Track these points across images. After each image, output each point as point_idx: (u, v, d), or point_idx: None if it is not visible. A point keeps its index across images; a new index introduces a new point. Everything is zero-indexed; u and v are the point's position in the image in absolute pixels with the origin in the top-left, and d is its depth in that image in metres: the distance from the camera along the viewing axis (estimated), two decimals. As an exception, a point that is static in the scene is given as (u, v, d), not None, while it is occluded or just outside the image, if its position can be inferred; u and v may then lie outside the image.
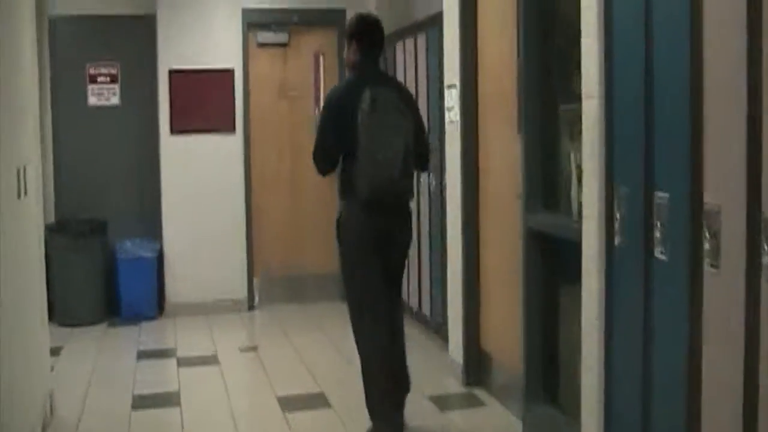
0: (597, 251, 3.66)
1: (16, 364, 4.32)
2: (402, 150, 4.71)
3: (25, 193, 4.67)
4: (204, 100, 8.31)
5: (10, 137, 4.36)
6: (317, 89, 8.62)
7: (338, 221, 4.97)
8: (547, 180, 4.66)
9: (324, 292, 8.58)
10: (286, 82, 8.67)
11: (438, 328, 6.69)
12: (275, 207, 8.64)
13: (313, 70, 8.67)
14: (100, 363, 6.86)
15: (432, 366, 6.32)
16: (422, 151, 5.03)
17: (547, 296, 4.76)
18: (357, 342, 5.04)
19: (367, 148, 4.64)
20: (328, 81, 8.65)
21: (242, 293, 8.45)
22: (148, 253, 8.18)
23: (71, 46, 8.40)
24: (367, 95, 4.68)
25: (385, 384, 4.92)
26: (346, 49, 5.09)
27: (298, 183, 8.66)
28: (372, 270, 4.89)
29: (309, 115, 8.61)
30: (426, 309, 7.00)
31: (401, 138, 4.71)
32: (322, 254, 8.55)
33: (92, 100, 8.41)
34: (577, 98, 3.92)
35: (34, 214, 5.03)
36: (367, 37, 5.00)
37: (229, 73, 8.32)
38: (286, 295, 8.66)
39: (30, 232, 4.89)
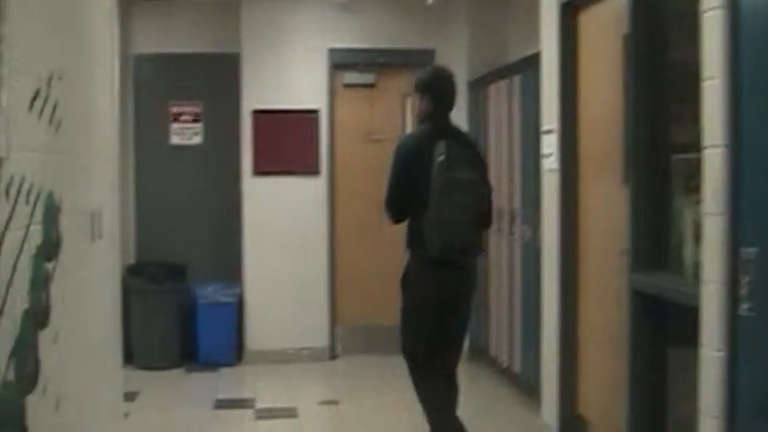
0: (718, 319, 3.27)
1: (85, 409, 4.11)
2: (474, 207, 4.69)
3: (100, 236, 4.48)
4: (288, 141, 8.12)
5: (85, 181, 4.17)
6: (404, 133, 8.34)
7: (405, 273, 4.91)
8: (656, 236, 4.28)
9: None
10: (371, 124, 8.40)
11: (529, 388, 6.31)
12: (359, 253, 8.35)
13: (399, 112, 8.42)
14: (177, 411, 6.62)
15: (522, 429, 5.96)
16: (487, 210, 4.88)
17: (654, 362, 4.37)
18: (418, 395, 4.97)
19: (441, 203, 4.58)
20: (416, 124, 8.39)
21: (324, 342, 8.16)
22: (227, 299, 7.95)
23: (154, 85, 8.28)
24: (442, 147, 4.64)
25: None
26: (418, 101, 5.05)
27: (383, 229, 8.29)
28: (432, 326, 4.78)
29: None
30: (516, 367, 6.62)
31: (474, 194, 4.69)
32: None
33: (175, 140, 8.25)
34: (693, 147, 3.57)
35: (107, 258, 4.82)
36: (441, 90, 4.97)
37: (313, 114, 8.11)
38: (367, 345, 8.33)
39: (103, 275, 4.69)
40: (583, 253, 5.25)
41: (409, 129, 8.34)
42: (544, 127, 5.59)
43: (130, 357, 7.90)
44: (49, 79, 3.33)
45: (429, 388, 4.91)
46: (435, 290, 4.75)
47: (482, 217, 4.81)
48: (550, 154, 5.48)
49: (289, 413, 6.51)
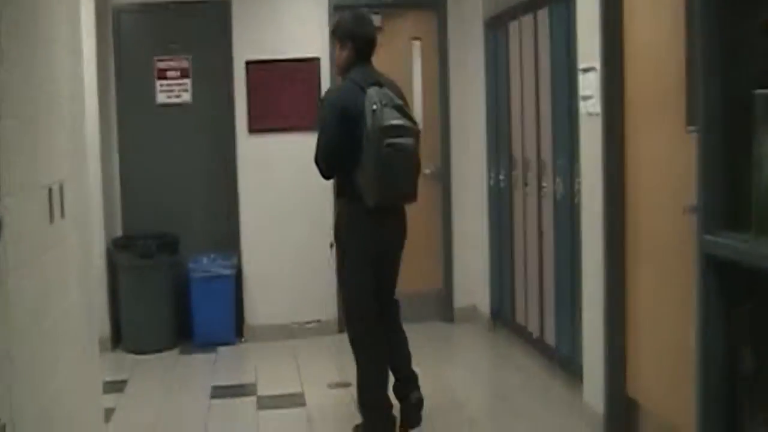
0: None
1: (56, 415, 3.47)
2: (413, 152, 4.78)
3: (62, 215, 3.78)
4: (286, 95, 7.41)
5: (38, 152, 3.46)
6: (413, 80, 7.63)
7: (338, 224, 5.00)
8: (733, 190, 3.56)
9: (417, 312, 7.54)
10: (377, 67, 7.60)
11: (566, 363, 5.62)
12: None
13: (408, 57, 7.66)
14: (168, 403, 5.96)
15: (561, 412, 5.31)
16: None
17: (730, 339, 3.68)
18: (354, 348, 5.03)
19: (380, 151, 4.61)
20: (425, 70, 7.67)
21: (331, 314, 7.48)
22: (224, 271, 7.25)
23: (137, 39, 7.51)
24: (374, 96, 4.70)
25: (384, 400, 4.97)
26: (337, 50, 5.04)
27: None
28: (369, 275, 4.93)
29: None
30: (549, 338, 5.92)
31: (412, 139, 4.77)
32: (419, 270, 7.57)
33: (161, 98, 7.48)
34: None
35: (74, 237, 4.11)
36: (363, 36, 4.99)
37: (313, 62, 7.38)
38: None
39: (69, 259, 3.99)
40: (634, 212, 4.52)
41: (419, 75, 7.68)
42: (582, 65, 4.84)
43: (118, 340, 7.34)
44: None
45: (374, 369, 4.97)
46: (374, 240, 4.90)
47: (418, 162, 4.89)
48: (589, 96, 4.74)
49: (295, 401, 5.84)
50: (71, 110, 4.20)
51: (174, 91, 7.50)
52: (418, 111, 7.63)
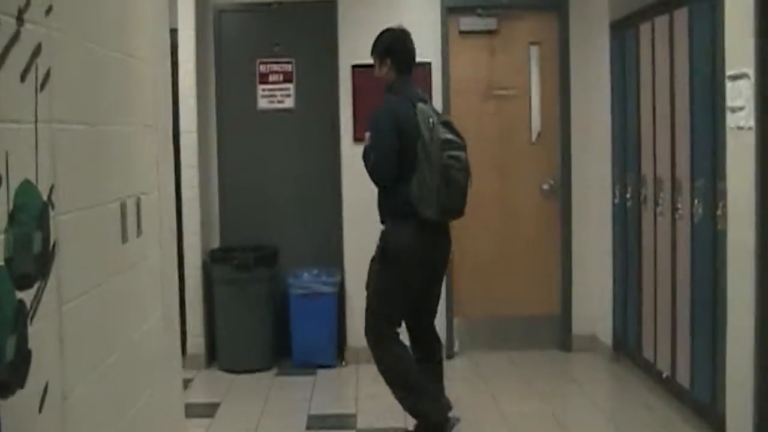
0: None
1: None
2: (467, 166, 4.88)
3: (139, 233, 3.36)
4: None
5: (111, 160, 3.05)
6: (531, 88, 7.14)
7: (387, 240, 4.94)
8: None
9: (531, 338, 7.18)
10: (493, 78, 7.13)
11: (702, 410, 4.99)
12: (480, 233, 7.10)
13: (526, 63, 7.14)
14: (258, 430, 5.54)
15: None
16: None
17: None
18: (382, 362, 5.06)
19: (441, 164, 4.72)
20: (544, 77, 7.12)
21: (441, 338, 6.94)
22: (326, 288, 6.83)
23: (239, 41, 7.18)
24: (428, 111, 4.86)
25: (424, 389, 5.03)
26: (377, 67, 5.13)
27: (509, 205, 7.18)
28: (418, 291, 5.03)
29: (522, 120, 7.14)
30: (683, 378, 5.29)
31: (465, 154, 4.88)
32: (534, 293, 7.17)
33: (263, 104, 7.11)
34: None
35: (155, 256, 3.70)
36: (404, 52, 5.09)
37: (425, 67, 6.86)
38: (490, 340, 7.18)
39: (147, 281, 3.57)
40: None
41: (536, 82, 7.14)
42: (731, 71, 4.23)
43: (213, 357, 6.99)
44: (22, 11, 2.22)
45: (398, 359, 5.01)
46: (428, 254, 4.95)
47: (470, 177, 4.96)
48: (740, 107, 4.14)
49: (400, 439, 5.37)
50: (157, 114, 3.81)
51: (276, 96, 7.13)
52: (535, 121, 7.11)
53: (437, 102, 6.93)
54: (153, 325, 3.65)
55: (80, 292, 2.65)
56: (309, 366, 6.82)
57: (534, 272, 7.14)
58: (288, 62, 7.11)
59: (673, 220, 5.37)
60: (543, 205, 7.14)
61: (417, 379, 5.02)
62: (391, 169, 4.85)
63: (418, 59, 6.88)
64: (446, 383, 6.24)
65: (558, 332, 7.20)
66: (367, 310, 5.08)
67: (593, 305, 6.99)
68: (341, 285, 6.97)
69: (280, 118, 7.14)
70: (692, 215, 5.06)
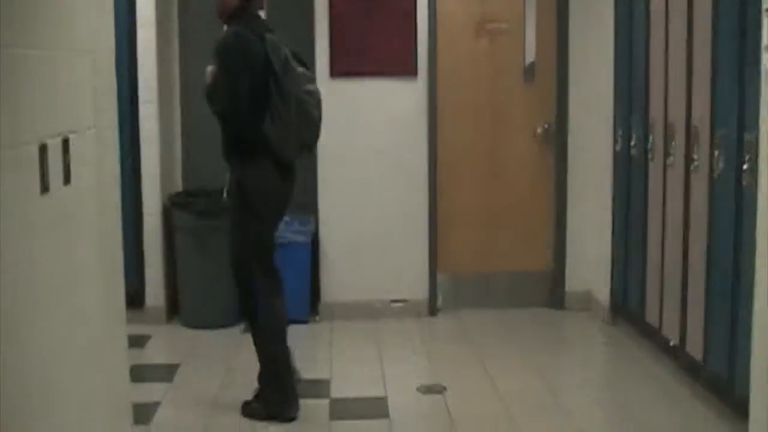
0: None
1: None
2: (320, 100, 4.79)
3: (66, 180, 2.78)
4: (375, 33, 6.40)
5: (26, 93, 2.45)
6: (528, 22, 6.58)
7: (245, 183, 4.67)
8: None
9: (520, 294, 6.71)
10: (486, 10, 6.55)
11: (717, 386, 4.48)
12: (467, 182, 6.64)
13: None
14: (220, 400, 4.99)
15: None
16: None
17: None
18: (254, 315, 4.77)
19: (296, 100, 4.58)
20: (541, 10, 6.53)
21: (421, 294, 6.54)
22: (299, 237, 6.34)
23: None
24: (277, 43, 4.61)
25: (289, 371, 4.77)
26: None
27: (499, 151, 6.65)
28: (272, 232, 4.87)
29: (515, 57, 6.57)
30: (695, 350, 4.75)
31: (316, 87, 4.81)
32: (525, 247, 6.69)
33: None
34: None
35: (90, 210, 3.12)
36: None
37: None
38: (477, 297, 6.71)
39: (82, 244, 3.00)
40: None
41: (532, 9, 6.55)
42: (770, 3, 3.68)
43: (174, 311, 6.49)
44: None
45: (270, 308, 4.74)
46: (283, 194, 4.79)
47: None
48: (777, 46, 3.58)
49: (376, 410, 4.82)
50: (93, 34, 3.19)
51: None
52: (530, 57, 6.54)
53: (422, 40, 6.42)
54: (88, 297, 3.08)
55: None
56: None
57: (525, 224, 6.66)
58: None
59: (687, 173, 4.82)
60: (536, 151, 6.60)
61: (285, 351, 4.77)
62: (245, 107, 4.54)
63: None
64: (431, 350, 5.79)
65: (550, 289, 6.70)
66: (237, 264, 4.82)
67: (589, 262, 6.49)
68: (315, 234, 6.49)
69: None
70: (711, 169, 4.50)
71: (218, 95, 4.59)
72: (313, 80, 4.80)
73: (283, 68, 4.54)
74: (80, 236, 3.01)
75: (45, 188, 2.61)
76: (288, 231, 6.31)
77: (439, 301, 6.61)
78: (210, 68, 4.63)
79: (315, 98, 4.70)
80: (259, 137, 4.55)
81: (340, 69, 6.40)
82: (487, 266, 6.69)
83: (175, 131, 6.64)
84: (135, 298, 6.01)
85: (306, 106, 4.62)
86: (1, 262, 2.27)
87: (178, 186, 6.69)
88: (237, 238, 4.79)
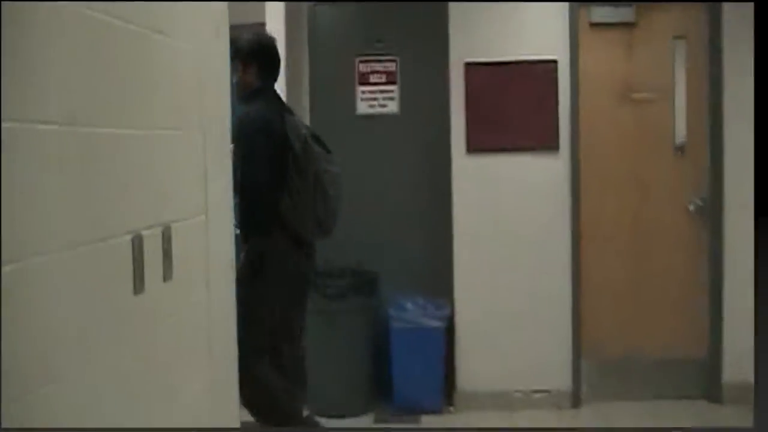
0: None
1: None
2: (341, 182, 4.89)
3: (167, 276, 2.54)
4: (514, 106, 6.16)
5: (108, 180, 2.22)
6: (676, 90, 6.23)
7: (254, 261, 4.65)
8: None
9: (676, 384, 6.26)
10: (631, 79, 6.25)
11: None
12: (613, 261, 6.27)
13: (669, 61, 6.21)
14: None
15: None
16: None
17: None
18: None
19: (318, 179, 4.69)
20: (691, 76, 6.17)
21: (564, 383, 6.15)
22: (433, 322, 6.13)
23: (336, 36, 6.64)
24: (296, 122, 4.81)
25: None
26: (240, 72, 4.81)
27: (648, 227, 6.28)
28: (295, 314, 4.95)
29: (664, 128, 6.20)
30: None
31: (338, 168, 4.86)
32: (674, 334, 6.28)
33: (362, 108, 6.51)
34: None
35: (203, 304, 2.87)
36: (273, 58, 4.91)
37: (549, 66, 6.12)
38: (624, 386, 6.26)
39: (187, 345, 2.74)
40: None
41: (682, 83, 6.23)
42: None
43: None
44: None
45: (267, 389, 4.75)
46: (298, 272, 4.84)
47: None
48: None
49: None
50: (202, 113, 2.98)
51: (378, 100, 6.51)
52: (680, 128, 6.17)
53: (564, 107, 6.17)
54: (190, 402, 2.82)
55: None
56: (412, 411, 6.12)
57: (676, 305, 6.22)
58: (392, 61, 6.46)
59: None
60: (688, 227, 6.19)
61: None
62: (266, 182, 4.65)
63: (542, 57, 6.17)
64: None
65: (705, 379, 6.22)
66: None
67: (750, 348, 5.98)
68: (450, 318, 6.21)
69: (382, 124, 6.52)
70: None
71: (240, 173, 4.54)
72: (331, 161, 4.85)
73: (302, 147, 4.68)
74: (187, 337, 2.76)
75: (136, 289, 2.36)
76: (423, 315, 6.17)
77: (583, 392, 6.19)
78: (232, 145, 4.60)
79: (332, 176, 4.79)
80: (277, 214, 4.68)
81: (476, 144, 6.16)
82: (635, 352, 6.24)
83: None
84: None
85: (324, 184, 4.72)
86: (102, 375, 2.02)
87: None
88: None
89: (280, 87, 5.14)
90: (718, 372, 6.16)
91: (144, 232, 2.41)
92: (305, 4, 6.55)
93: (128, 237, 2.32)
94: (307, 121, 6.56)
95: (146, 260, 2.41)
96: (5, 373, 1.71)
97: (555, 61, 6.14)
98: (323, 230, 4.84)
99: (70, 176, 2.01)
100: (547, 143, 6.14)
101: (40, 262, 1.87)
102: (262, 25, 6.12)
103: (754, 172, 3.90)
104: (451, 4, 6.25)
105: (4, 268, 1.72)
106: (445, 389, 6.24)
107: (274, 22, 6.17)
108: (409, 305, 6.24)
